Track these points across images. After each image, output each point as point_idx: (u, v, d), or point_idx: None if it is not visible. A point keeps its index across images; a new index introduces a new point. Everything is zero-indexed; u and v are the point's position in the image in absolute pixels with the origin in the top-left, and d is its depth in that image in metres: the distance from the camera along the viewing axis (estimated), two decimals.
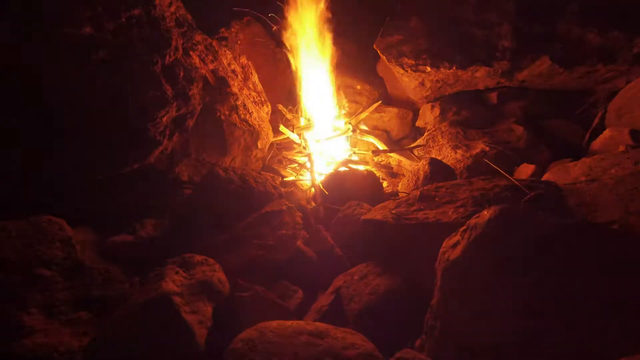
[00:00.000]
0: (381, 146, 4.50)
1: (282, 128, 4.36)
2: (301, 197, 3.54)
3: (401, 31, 4.40)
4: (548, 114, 4.21)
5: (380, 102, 4.68)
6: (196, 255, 2.22)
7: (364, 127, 4.76)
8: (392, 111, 5.19)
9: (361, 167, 4.11)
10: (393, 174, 4.34)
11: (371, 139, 4.56)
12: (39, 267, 1.93)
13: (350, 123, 4.51)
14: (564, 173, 2.80)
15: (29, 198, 2.48)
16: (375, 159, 4.44)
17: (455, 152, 4.08)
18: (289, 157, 4.40)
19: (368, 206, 2.96)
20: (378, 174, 4.02)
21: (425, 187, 2.60)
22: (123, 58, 2.53)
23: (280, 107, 4.56)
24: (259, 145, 4.10)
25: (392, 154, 4.44)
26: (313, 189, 3.69)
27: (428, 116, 4.78)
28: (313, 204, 3.50)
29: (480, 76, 4.23)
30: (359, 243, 2.70)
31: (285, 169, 4.37)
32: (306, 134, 4.44)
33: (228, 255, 2.42)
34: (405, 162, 4.27)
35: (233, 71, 3.90)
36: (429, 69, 4.25)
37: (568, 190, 2.53)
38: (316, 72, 4.57)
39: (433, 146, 4.20)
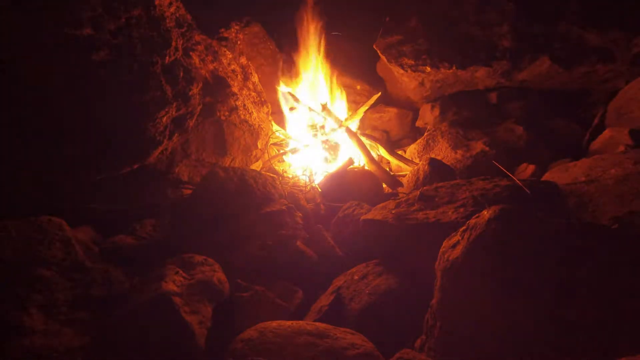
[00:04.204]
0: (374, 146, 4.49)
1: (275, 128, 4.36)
2: (301, 197, 3.54)
3: (401, 31, 4.40)
4: (548, 114, 4.21)
5: (379, 92, 4.65)
6: (196, 255, 2.22)
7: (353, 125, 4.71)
8: (392, 111, 5.18)
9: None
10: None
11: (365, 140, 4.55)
12: (39, 267, 1.93)
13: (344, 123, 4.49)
14: (564, 173, 2.80)
15: (29, 198, 2.48)
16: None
17: (455, 152, 4.08)
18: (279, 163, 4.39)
19: (368, 206, 2.96)
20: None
21: (425, 187, 2.60)
22: (123, 58, 2.53)
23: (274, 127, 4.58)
24: (259, 146, 4.10)
25: (389, 158, 4.42)
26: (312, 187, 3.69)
27: (428, 116, 4.78)
28: (314, 203, 3.50)
29: (480, 76, 4.23)
30: (359, 243, 2.70)
31: (284, 168, 4.37)
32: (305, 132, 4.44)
33: (228, 255, 2.42)
34: (404, 166, 4.27)
35: (233, 71, 3.90)
36: (428, 69, 4.25)
37: (568, 190, 2.53)
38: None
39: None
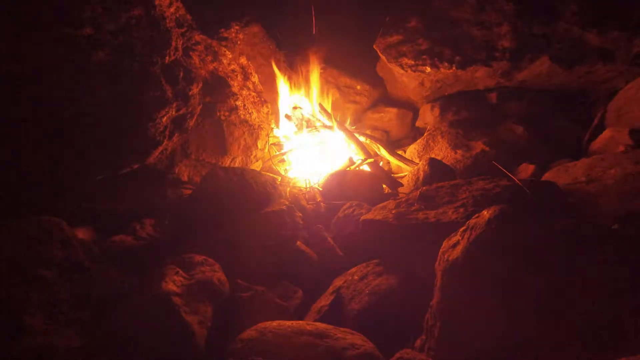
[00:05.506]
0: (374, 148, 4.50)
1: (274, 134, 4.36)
2: (301, 197, 3.54)
3: (401, 31, 4.40)
4: (548, 114, 4.21)
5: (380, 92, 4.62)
6: (196, 255, 2.21)
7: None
8: (392, 111, 5.18)
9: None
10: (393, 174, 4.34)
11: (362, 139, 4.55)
12: (39, 267, 1.93)
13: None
14: (564, 173, 2.80)
15: (29, 198, 2.48)
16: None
17: (455, 152, 4.08)
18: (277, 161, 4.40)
19: (368, 206, 2.96)
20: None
21: (425, 187, 2.60)
22: (123, 58, 2.54)
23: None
24: (259, 146, 4.10)
25: (389, 158, 4.42)
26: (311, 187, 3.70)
27: (428, 116, 4.77)
28: (314, 203, 3.50)
29: (480, 76, 4.23)
30: (359, 243, 2.70)
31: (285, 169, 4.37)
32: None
33: (228, 255, 2.42)
34: (404, 166, 4.27)
35: (233, 71, 3.91)
36: (428, 69, 4.25)
37: (568, 190, 2.53)
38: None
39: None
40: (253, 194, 2.80)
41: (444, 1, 4.29)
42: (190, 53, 3.17)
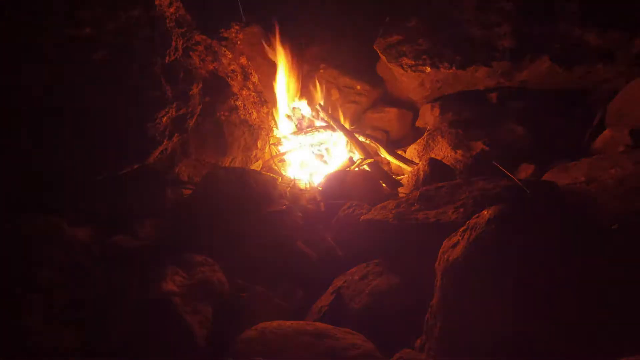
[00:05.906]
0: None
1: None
2: (301, 197, 3.54)
3: (401, 31, 4.40)
4: (548, 113, 4.21)
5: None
6: (196, 255, 2.22)
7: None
8: (392, 111, 5.18)
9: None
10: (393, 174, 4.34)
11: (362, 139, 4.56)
12: (39, 267, 1.93)
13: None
14: (564, 173, 2.80)
15: (29, 198, 2.48)
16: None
17: (455, 152, 4.08)
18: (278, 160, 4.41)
19: (368, 206, 2.96)
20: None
21: (425, 187, 2.60)
22: (123, 58, 2.53)
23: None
24: (259, 146, 4.10)
25: (389, 158, 4.42)
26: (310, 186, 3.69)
27: (428, 116, 4.77)
28: (314, 203, 3.50)
29: (480, 76, 4.23)
30: (359, 243, 2.70)
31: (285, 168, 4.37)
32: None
33: (228, 255, 2.42)
34: (404, 166, 4.27)
35: (233, 71, 3.91)
36: (428, 69, 4.25)
37: (568, 190, 2.53)
38: None
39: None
40: (253, 194, 2.81)
41: (444, 1, 4.29)
42: (190, 53, 3.17)
